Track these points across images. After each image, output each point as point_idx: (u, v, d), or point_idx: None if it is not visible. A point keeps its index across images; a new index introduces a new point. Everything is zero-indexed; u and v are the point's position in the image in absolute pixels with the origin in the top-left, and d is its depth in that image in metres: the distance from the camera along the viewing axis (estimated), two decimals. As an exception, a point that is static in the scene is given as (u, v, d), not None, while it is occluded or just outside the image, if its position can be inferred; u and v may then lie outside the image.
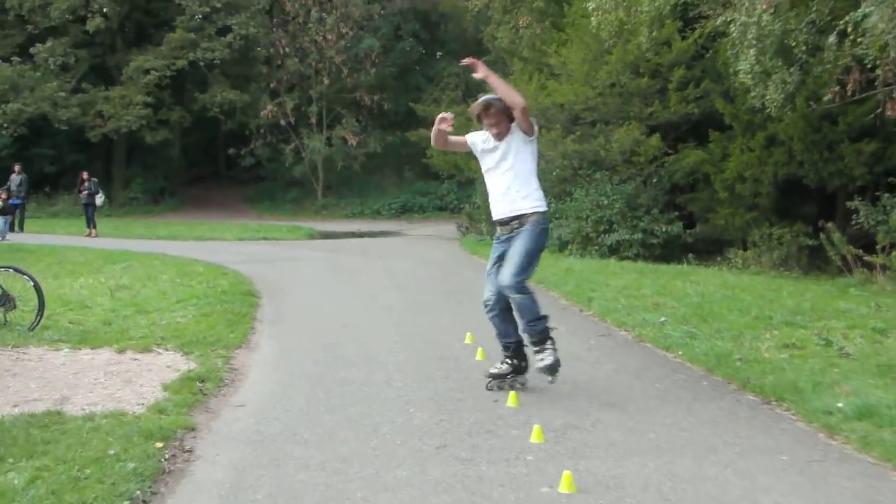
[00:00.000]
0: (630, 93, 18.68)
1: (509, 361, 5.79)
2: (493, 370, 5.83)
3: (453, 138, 5.91)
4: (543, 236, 5.73)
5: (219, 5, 32.93)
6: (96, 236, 21.58)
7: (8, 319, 7.85)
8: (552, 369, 5.63)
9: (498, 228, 5.81)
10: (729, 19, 12.51)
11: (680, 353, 7.15)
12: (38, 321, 7.76)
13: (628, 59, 18.23)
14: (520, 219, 5.63)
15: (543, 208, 5.70)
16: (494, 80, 5.65)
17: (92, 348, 7.10)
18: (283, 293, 11.17)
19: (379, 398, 5.63)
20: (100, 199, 22.39)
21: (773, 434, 4.87)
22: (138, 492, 3.71)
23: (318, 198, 36.27)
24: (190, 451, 4.43)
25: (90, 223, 22.31)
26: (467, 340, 7.47)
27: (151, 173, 37.14)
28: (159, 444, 4.38)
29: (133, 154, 37.10)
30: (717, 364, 6.58)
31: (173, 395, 5.44)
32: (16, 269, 8.07)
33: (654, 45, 17.24)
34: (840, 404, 5.24)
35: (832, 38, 10.53)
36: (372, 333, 8.21)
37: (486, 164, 5.82)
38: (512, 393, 5.50)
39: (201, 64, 33.01)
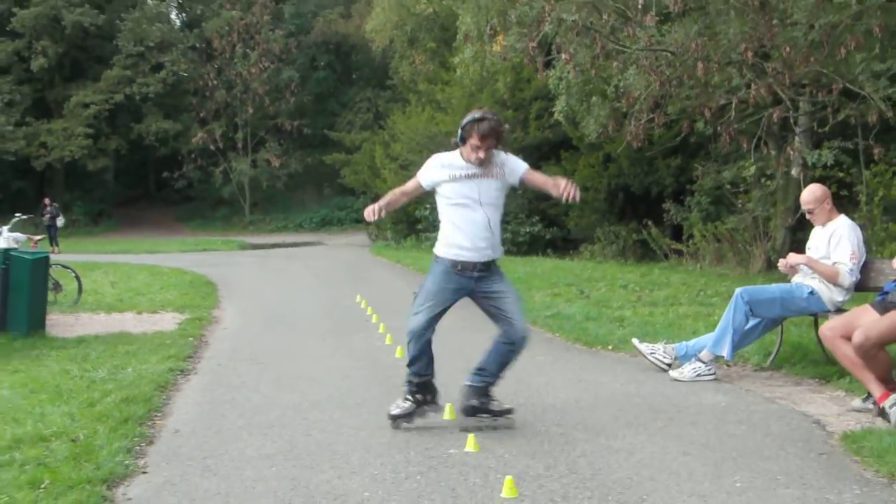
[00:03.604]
0: (499, 123, 23.38)
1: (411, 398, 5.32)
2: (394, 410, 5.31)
3: (408, 188, 5.40)
4: None
5: (152, 44, 36.85)
6: (60, 252, 25.25)
7: (57, 299, 11.95)
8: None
9: (461, 263, 5.18)
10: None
11: (485, 300, 11.73)
12: (79, 298, 11.89)
13: (497, 96, 23.00)
14: (494, 262, 5.32)
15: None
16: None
17: (119, 312, 11.27)
18: (232, 283, 15.42)
19: (301, 323, 10.05)
20: (61, 220, 26.15)
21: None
22: (190, 350, 8.03)
23: (246, 214, 40.35)
24: (206, 342, 8.77)
25: (53, 242, 25.99)
26: (357, 299, 11.93)
27: (89, 196, 40.57)
28: (191, 338, 8.70)
29: (71, 179, 40.47)
30: (503, 303, 11.16)
31: (187, 326, 9.72)
32: (62, 266, 12.18)
33: (514, 85, 22.06)
34: (547, 313, 9.86)
35: (595, 98, 15.38)
36: (296, 300, 12.61)
37: (458, 192, 5.15)
38: (382, 325, 9.89)
39: (136, 97, 36.80)
